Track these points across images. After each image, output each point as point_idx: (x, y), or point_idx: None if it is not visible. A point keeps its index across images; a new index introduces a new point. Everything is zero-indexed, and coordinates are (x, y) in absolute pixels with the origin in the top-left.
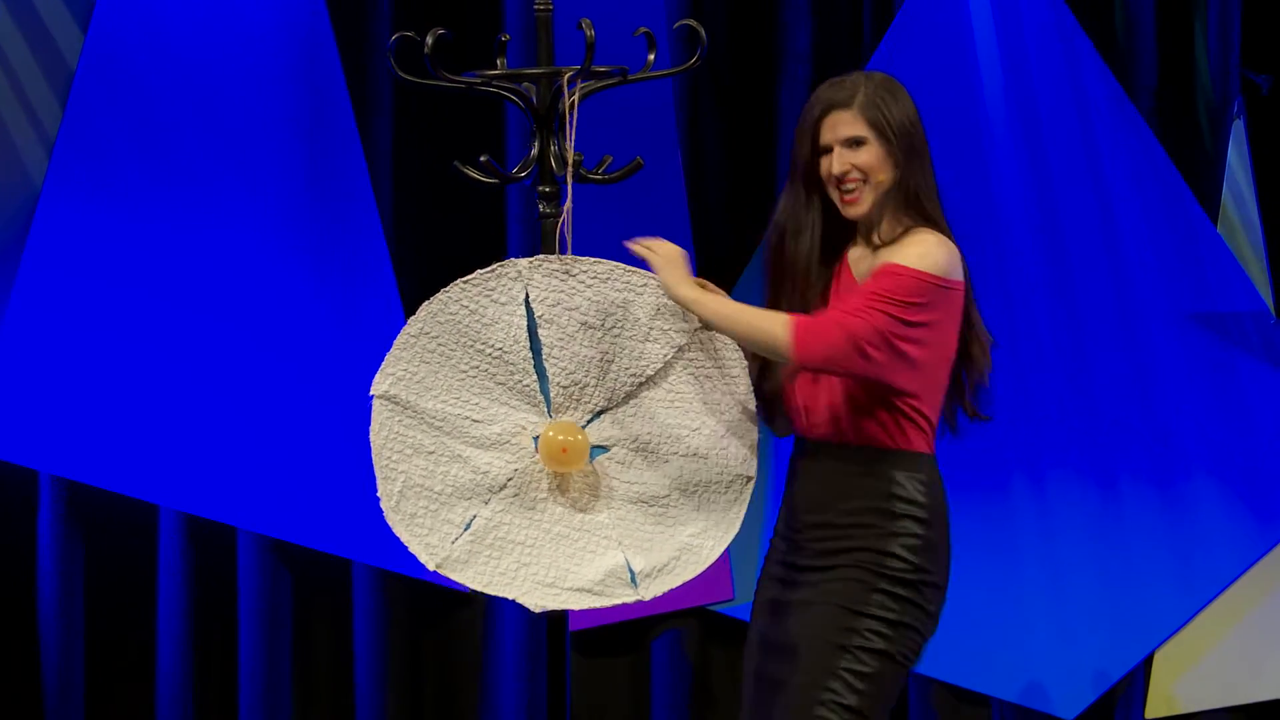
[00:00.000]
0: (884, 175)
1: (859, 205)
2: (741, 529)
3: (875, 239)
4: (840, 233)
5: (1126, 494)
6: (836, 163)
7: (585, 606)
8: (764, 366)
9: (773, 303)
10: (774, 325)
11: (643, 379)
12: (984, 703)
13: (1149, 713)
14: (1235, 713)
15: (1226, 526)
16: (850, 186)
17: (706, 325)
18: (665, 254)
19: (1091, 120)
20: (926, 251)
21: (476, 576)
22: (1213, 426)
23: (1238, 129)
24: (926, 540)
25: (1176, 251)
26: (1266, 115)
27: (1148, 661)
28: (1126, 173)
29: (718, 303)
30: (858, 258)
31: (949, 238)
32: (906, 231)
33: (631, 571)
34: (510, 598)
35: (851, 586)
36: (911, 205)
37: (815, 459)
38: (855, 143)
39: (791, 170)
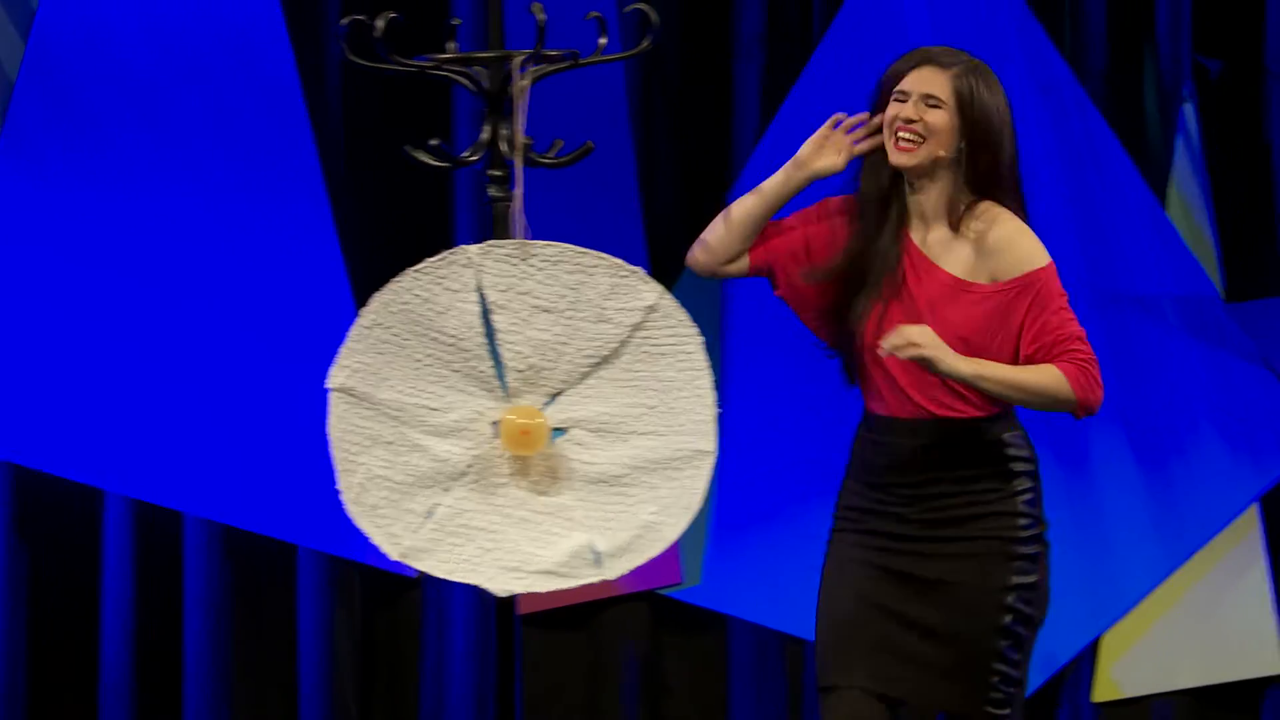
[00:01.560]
0: (946, 146)
1: (910, 157)
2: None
3: (957, 225)
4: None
5: (1066, 479)
6: (910, 108)
7: (551, 588)
8: (846, 346)
9: (844, 270)
10: (1057, 385)
11: (598, 360)
12: None
13: (1096, 697)
14: (1179, 697)
15: (1171, 513)
16: (909, 135)
17: (990, 394)
18: (924, 337)
19: (1041, 103)
20: (1034, 243)
21: (440, 564)
22: (1157, 413)
23: (1188, 113)
24: (1038, 492)
25: (1126, 236)
26: (1217, 100)
27: (1095, 645)
28: (1075, 156)
29: (999, 370)
30: (939, 243)
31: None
32: (993, 219)
33: (595, 551)
34: (476, 584)
35: (991, 562)
36: (982, 191)
37: (911, 435)
38: (933, 103)
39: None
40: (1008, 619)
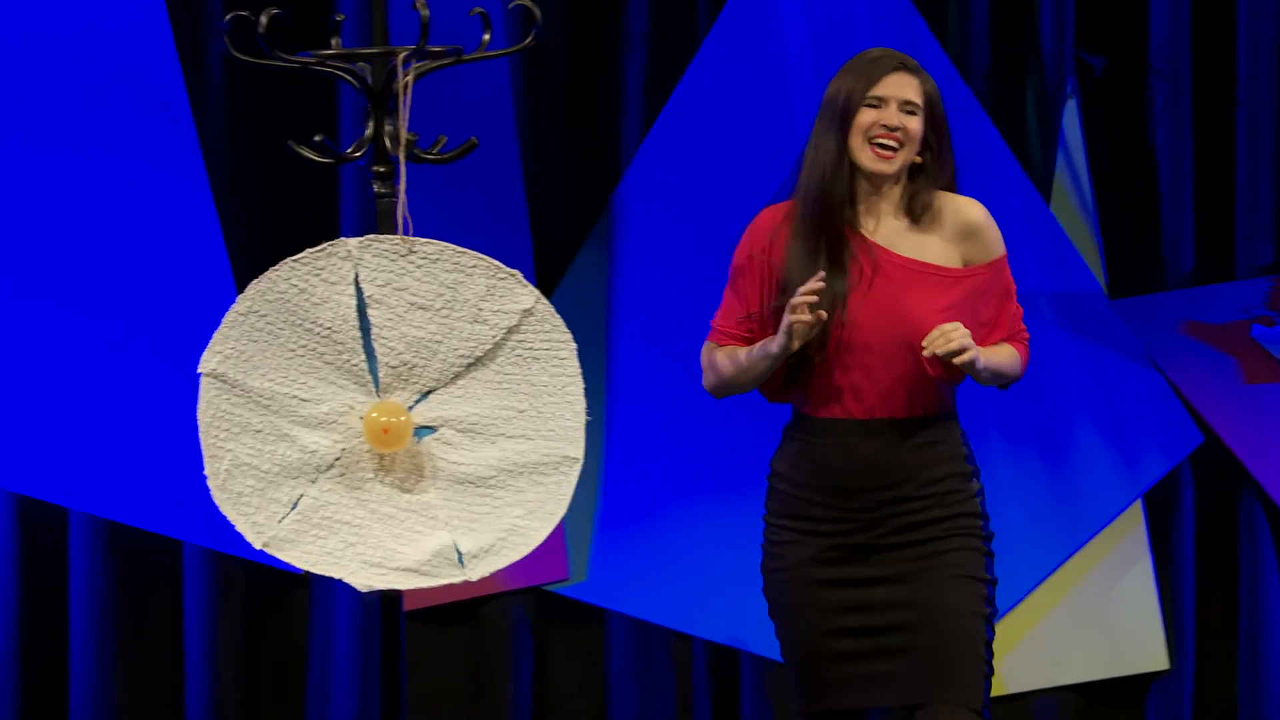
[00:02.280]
0: (915, 151)
1: (891, 164)
2: (574, 510)
3: (918, 218)
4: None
5: None
6: (892, 115)
7: (412, 586)
8: (799, 355)
9: (801, 261)
10: (1016, 368)
11: (471, 360)
12: None
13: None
14: (1065, 692)
15: (1054, 509)
16: (892, 144)
17: (990, 372)
18: (969, 337)
19: None
20: (999, 232)
21: (303, 556)
22: (1041, 410)
23: (1071, 110)
24: (983, 491)
25: (1010, 233)
26: (1100, 96)
27: None
28: (958, 154)
29: (995, 359)
30: (896, 234)
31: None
32: (959, 204)
33: (459, 552)
34: (337, 577)
35: (969, 555)
36: (935, 182)
37: (873, 436)
38: (909, 109)
39: (822, 127)
40: (988, 609)
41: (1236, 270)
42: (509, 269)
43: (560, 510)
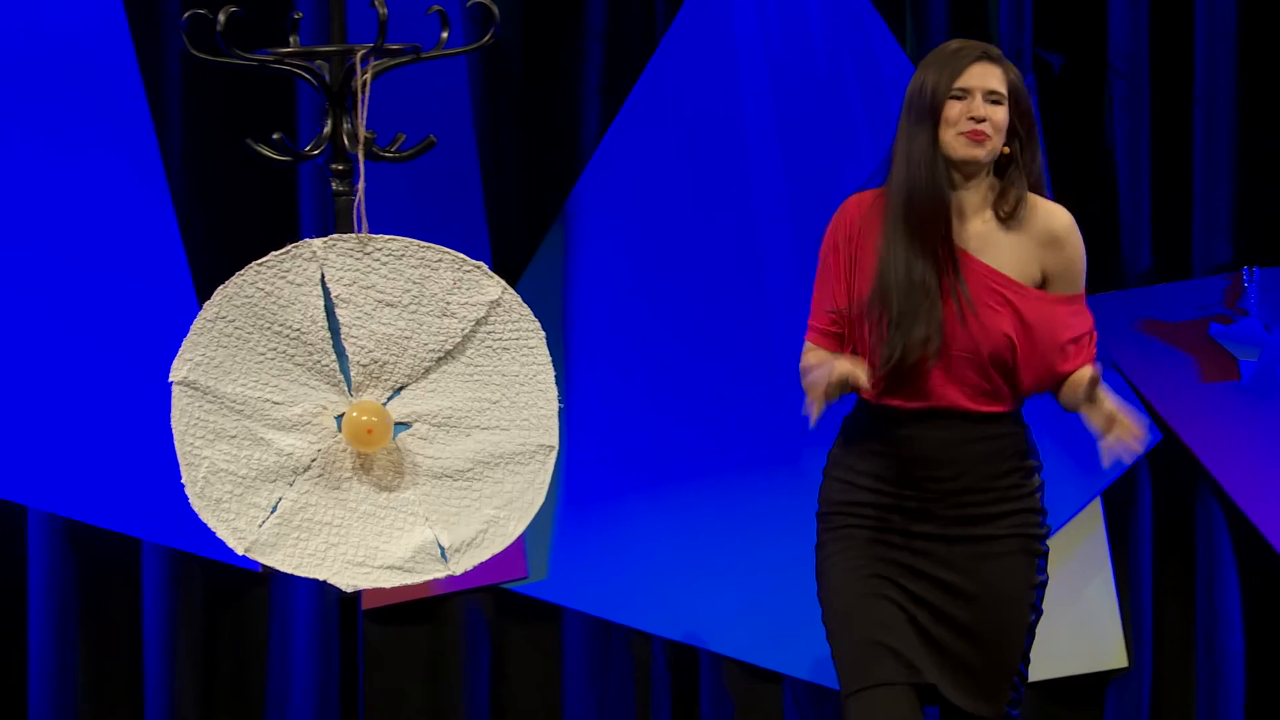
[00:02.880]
0: (1003, 140)
1: (982, 148)
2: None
3: (1007, 218)
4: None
5: None
6: (979, 106)
7: (397, 583)
8: (905, 346)
9: (899, 262)
10: None
11: (441, 354)
12: (775, 679)
13: None
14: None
15: None
16: (981, 131)
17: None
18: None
19: (883, 99)
20: (1084, 251)
21: (286, 559)
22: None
23: None
24: (1043, 490)
25: None
26: (1058, 94)
27: None
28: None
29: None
30: (978, 238)
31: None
32: (1049, 211)
33: (441, 547)
34: (321, 578)
35: (1018, 561)
36: (1021, 180)
37: (937, 426)
38: (995, 100)
39: (910, 120)
40: (1032, 617)
41: (1194, 269)
42: (474, 261)
43: (539, 499)
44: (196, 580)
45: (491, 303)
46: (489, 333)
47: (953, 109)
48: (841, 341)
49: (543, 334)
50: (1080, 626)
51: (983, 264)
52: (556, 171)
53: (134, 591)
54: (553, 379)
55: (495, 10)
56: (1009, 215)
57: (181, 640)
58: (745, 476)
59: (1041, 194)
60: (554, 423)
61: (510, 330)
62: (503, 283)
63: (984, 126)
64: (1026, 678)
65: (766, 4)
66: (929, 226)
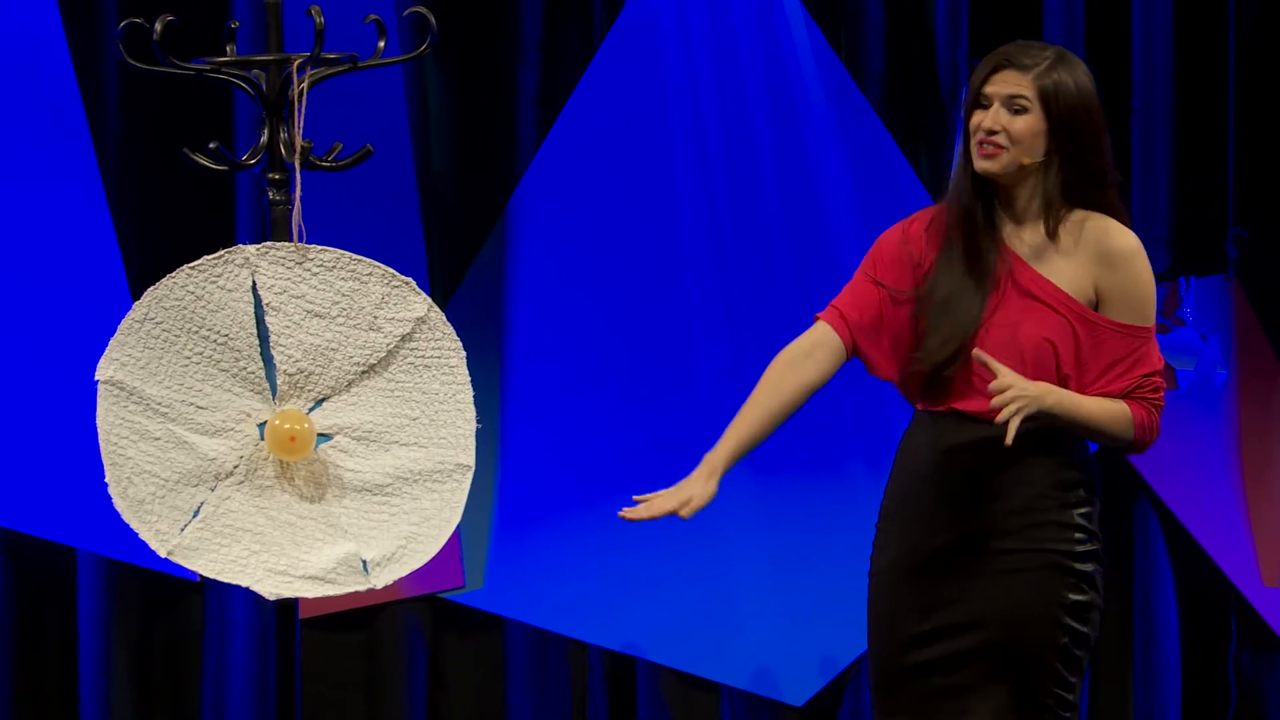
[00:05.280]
0: (1033, 151)
1: (993, 161)
2: (470, 517)
3: (1053, 231)
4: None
5: (850, 481)
6: (990, 117)
7: (319, 594)
8: (955, 350)
9: (945, 265)
10: (1125, 428)
11: (365, 368)
12: (713, 689)
13: None
14: None
15: None
16: (992, 144)
17: (1073, 424)
18: (1017, 377)
19: (816, 108)
20: (1151, 288)
21: (209, 564)
22: None
23: None
24: (1095, 507)
25: None
26: None
27: None
28: (852, 161)
29: (1083, 411)
30: (1034, 248)
31: (1129, 225)
32: (1105, 228)
33: (363, 560)
34: (244, 585)
35: (1046, 577)
36: (1077, 192)
37: (981, 431)
38: (1018, 109)
39: (964, 121)
40: (1065, 639)
41: None
42: (403, 277)
43: (455, 518)
44: (132, 589)
45: (418, 319)
46: (413, 349)
47: (975, 118)
48: (855, 333)
49: (463, 353)
50: None
51: (1033, 270)
52: (494, 180)
53: (69, 600)
54: (471, 399)
55: (432, 19)
56: (1054, 226)
57: (117, 649)
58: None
59: (1105, 197)
60: (471, 442)
61: (433, 348)
62: (429, 300)
63: (997, 138)
64: (1073, 707)
65: (704, 12)
66: (968, 235)
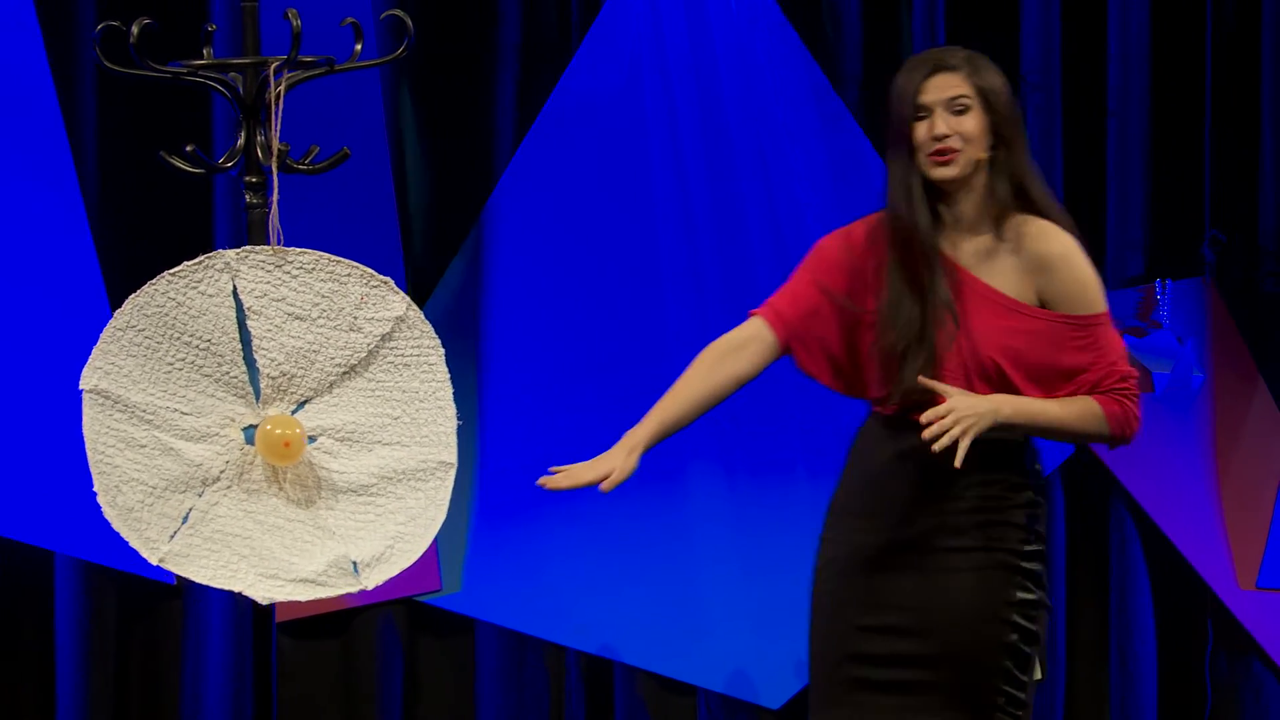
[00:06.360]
0: (981, 147)
1: (950, 168)
2: (447, 521)
3: (998, 230)
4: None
5: (828, 485)
6: (939, 123)
7: (312, 597)
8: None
9: (893, 291)
10: (1096, 424)
11: (346, 369)
12: (690, 692)
13: None
14: None
15: None
16: (946, 150)
17: (1038, 429)
18: (962, 399)
19: (793, 111)
20: (1095, 283)
21: (200, 570)
22: None
23: None
24: (1042, 509)
25: None
26: None
27: None
28: (829, 163)
29: (1044, 415)
30: (976, 254)
31: (1071, 228)
32: (1042, 233)
33: (353, 562)
34: (236, 590)
35: (992, 576)
36: (1019, 190)
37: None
38: (960, 108)
39: (892, 139)
40: (1014, 636)
41: (1107, 281)
42: (382, 276)
43: (440, 516)
44: (109, 593)
45: (397, 319)
46: (392, 348)
47: (919, 131)
48: (788, 332)
49: (442, 351)
50: None
51: (978, 280)
52: (471, 183)
53: (46, 604)
54: (451, 397)
55: (409, 22)
56: (999, 222)
57: (94, 652)
58: (661, 488)
59: (1032, 193)
60: (453, 440)
61: (412, 347)
62: (408, 299)
63: (949, 142)
64: (1024, 705)
65: (681, 15)
66: (915, 252)
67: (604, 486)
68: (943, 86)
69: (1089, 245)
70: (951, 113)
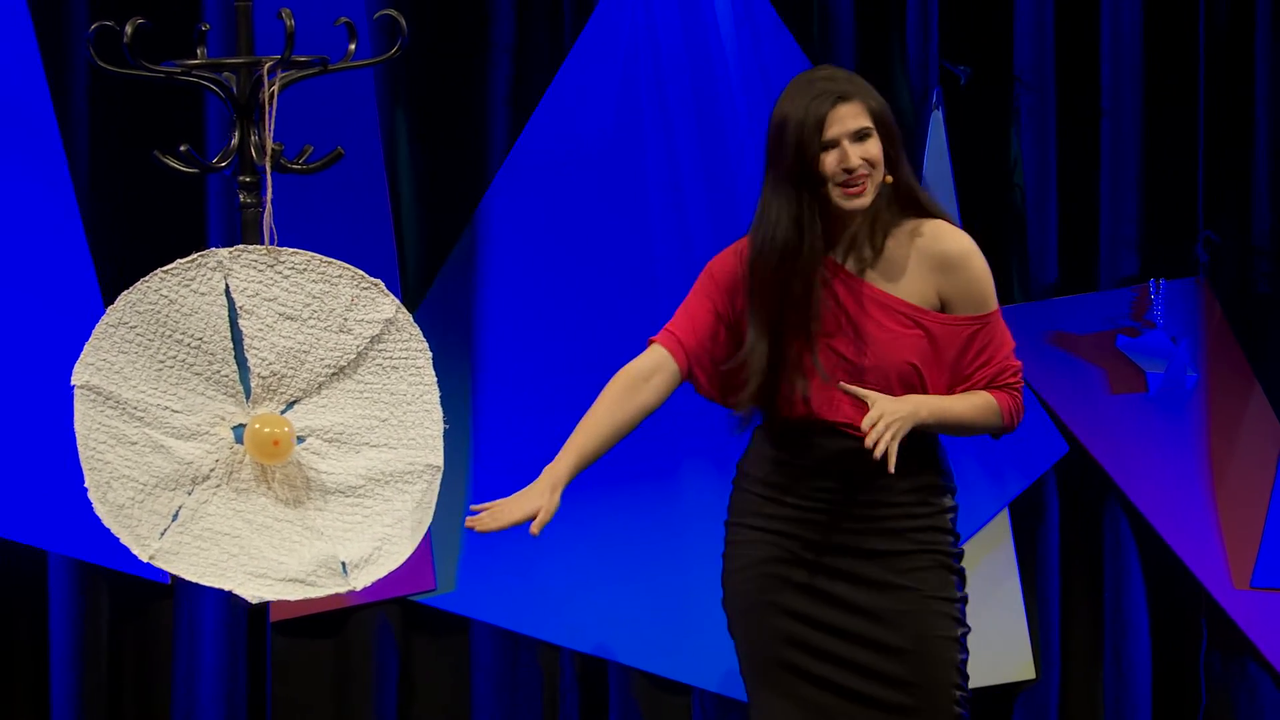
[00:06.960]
0: (882, 171)
1: (864, 197)
2: (440, 519)
3: (883, 242)
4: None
5: None
6: (851, 155)
7: (299, 597)
8: (773, 361)
9: (771, 318)
10: (993, 417)
11: (335, 370)
12: (684, 691)
13: None
14: None
15: None
16: (858, 180)
17: (947, 427)
18: (895, 416)
19: None
20: (988, 279)
21: (189, 568)
22: None
23: (936, 120)
24: (956, 512)
25: None
26: (965, 107)
27: None
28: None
29: (953, 412)
30: (878, 267)
31: (952, 221)
32: (938, 233)
33: (341, 562)
34: (225, 589)
35: (933, 574)
36: (908, 199)
37: (845, 439)
38: (862, 135)
39: (778, 174)
40: (961, 631)
41: (1100, 281)
42: (372, 278)
43: (426, 518)
44: (103, 592)
45: (387, 321)
46: (381, 350)
47: (828, 163)
48: (690, 360)
49: (429, 354)
50: (988, 639)
51: (879, 290)
52: (464, 183)
53: (40, 603)
54: (438, 400)
55: (403, 22)
56: (883, 239)
57: (88, 652)
58: (654, 487)
59: (921, 199)
60: (439, 443)
61: (400, 349)
62: (398, 302)
63: (859, 171)
64: (969, 703)
65: (674, 15)
66: (795, 276)
67: (533, 529)
68: (846, 117)
69: (1083, 245)
70: (857, 141)
